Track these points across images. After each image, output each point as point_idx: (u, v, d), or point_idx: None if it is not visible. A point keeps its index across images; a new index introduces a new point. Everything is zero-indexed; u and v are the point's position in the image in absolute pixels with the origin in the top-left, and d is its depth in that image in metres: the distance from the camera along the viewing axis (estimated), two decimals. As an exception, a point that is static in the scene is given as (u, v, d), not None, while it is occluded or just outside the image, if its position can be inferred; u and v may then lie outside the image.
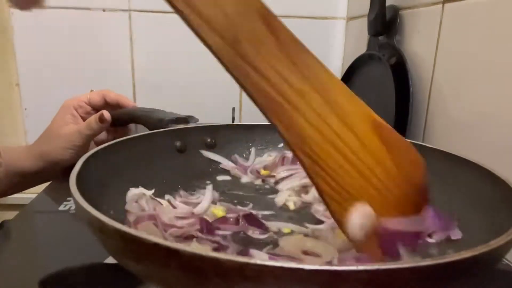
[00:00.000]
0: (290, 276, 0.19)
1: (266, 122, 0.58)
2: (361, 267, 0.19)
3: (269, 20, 0.22)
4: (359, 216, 0.24)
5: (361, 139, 0.24)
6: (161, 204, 0.38)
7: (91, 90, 0.62)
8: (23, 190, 0.64)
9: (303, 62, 0.23)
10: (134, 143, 0.44)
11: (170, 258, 0.20)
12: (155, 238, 0.21)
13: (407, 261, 0.25)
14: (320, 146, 0.23)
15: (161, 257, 0.21)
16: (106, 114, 0.56)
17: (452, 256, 0.20)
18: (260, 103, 0.23)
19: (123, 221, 0.36)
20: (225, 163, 0.50)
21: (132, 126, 0.65)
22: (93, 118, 0.56)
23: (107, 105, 0.62)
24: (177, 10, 0.20)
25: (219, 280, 0.20)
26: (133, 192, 0.38)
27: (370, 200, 0.24)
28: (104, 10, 0.89)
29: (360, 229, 0.24)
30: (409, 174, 0.26)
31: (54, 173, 0.59)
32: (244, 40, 0.21)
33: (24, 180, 0.60)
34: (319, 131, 0.23)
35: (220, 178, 0.48)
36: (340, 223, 0.24)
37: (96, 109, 0.61)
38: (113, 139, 0.42)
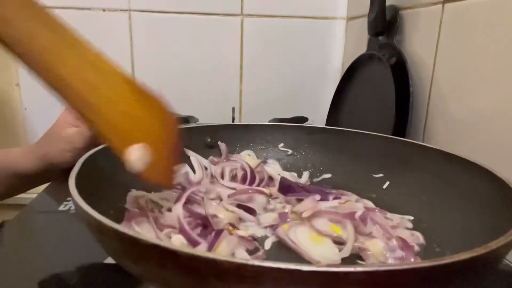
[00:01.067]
0: (287, 277, 0.19)
1: (266, 122, 0.58)
2: (359, 268, 0.19)
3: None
4: (136, 151, 0.30)
5: (124, 96, 0.31)
6: (160, 205, 0.39)
7: None
8: (24, 191, 0.64)
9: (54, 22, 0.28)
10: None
11: (167, 258, 0.20)
12: (153, 239, 0.21)
13: (406, 263, 0.26)
14: (99, 105, 0.29)
15: (159, 257, 0.21)
16: None
17: (452, 257, 0.20)
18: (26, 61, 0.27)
19: (123, 220, 0.36)
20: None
21: None
22: None
23: None
24: None
25: (216, 281, 0.20)
26: (134, 193, 0.39)
27: (140, 138, 0.31)
28: (104, 10, 0.89)
29: (139, 161, 0.30)
30: (160, 116, 0.34)
31: (55, 174, 0.59)
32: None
33: (24, 181, 0.60)
34: (99, 96, 0.29)
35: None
36: (124, 160, 0.30)
37: None
38: None
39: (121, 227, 0.22)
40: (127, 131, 0.31)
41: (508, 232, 0.24)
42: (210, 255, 0.20)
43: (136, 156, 0.30)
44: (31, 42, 0.26)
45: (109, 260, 0.34)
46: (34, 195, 0.52)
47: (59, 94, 0.28)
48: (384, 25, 0.68)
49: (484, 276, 0.23)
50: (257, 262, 0.19)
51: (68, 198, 0.49)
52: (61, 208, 0.47)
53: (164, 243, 0.21)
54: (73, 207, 0.47)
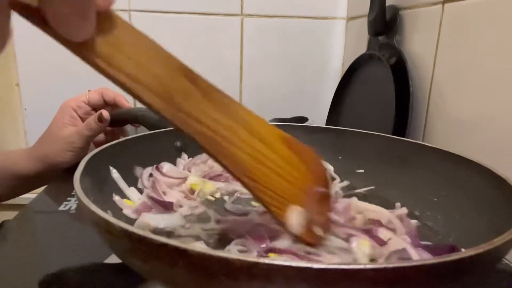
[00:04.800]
0: (298, 275, 0.19)
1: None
2: (368, 266, 0.19)
3: (189, 74, 0.27)
4: (296, 216, 0.30)
5: (279, 153, 0.30)
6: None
7: (89, 90, 0.62)
8: (24, 193, 0.64)
9: (223, 103, 0.28)
10: (135, 143, 0.44)
11: (178, 257, 0.20)
12: (163, 238, 0.21)
13: (414, 260, 0.28)
14: (254, 167, 0.28)
15: (169, 256, 0.21)
16: (105, 113, 0.56)
17: (458, 254, 0.20)
18: (202, 143, 0.27)
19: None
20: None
21: (130, 126, 0.65)
22: (92, 118, 0.56)
23: (105, 104, 0.62)
24: (113, 79, 0.23)
25: (227, 279, 0.20)
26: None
27: (298, 199, 0.30)
28: (104, 10, 0.89)
29: (299, 225, 0.30)
30: (316, 172, 0.33)
31: (54, 175, 0.59)
32: (175, 94, 0.25)
33: (24, 183, 0.60)
34: (250, 155, 0.28)
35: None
36: (283, 224, 0.30)
37: (95, 108, 0.61)
38: (112, 140, 0.42)
39: (131, 227, 0.22)
40: (284, 192, 0.30)
41: (511, 229, 0.24)
42: (221, 253, 0.20)
43: (295, 219, 0.30)
44: (215, 136, 0.27)
45: (109, 260, 0.34)
46: (34, 195, 0.52)
47: (227, 169, 0.28)
48: (384, 25, 0.68)
49: (486, 274, 0.24)
50: (268, 261, 0.19)
51: (68, 198, 0.49)
52: (61, 208, 0.47)
53: (174, 242, 0.20)
54: (73, 207, 0.47)
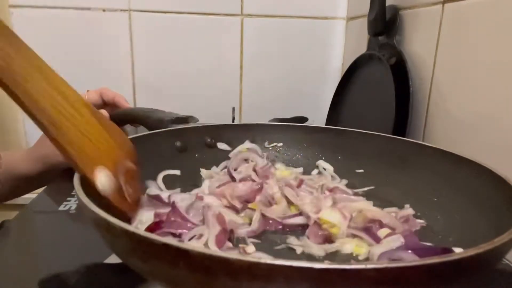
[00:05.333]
0: (299, 275, 0.19)
1: (266, 122, 0.58)
2: (369, 266, 0.19)
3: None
4: (104, 176, 0.31)
5: (84, 117, 0.32)
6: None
7: (88, 90, 0.62)
8: (24, 194, 0.64)
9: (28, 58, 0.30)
10: (135, 143, 0.44)
11: (178, 257, 0.21)
12: (164, 238, 0.21)
13: (414, 260, 0.27)
14: (57, 118, 0.30)
15: (170, 257, 0.21)
16: (104, 112, 0.56)
17: (459, 254, 0.21)
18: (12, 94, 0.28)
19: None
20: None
21: (130, 126, 0.65)
22: None
23: (104, 104, 0.62)
24: None
25: (227, 279, 0.20)
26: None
27: (106, 164, 0.32)
28: (104, 10, 0.89)
29: (107, 185, 0.31)
30: (124, 148, 0.36)
31: (54, 175, 0.59)
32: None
33: (25, 184, 0.60)
34: (54, 108, 0.30)
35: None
36: (90, 181, 0.30)
37: None
38: None
39: (131, 227, 0.22)
40: (91, 153, 0.32)
41: (511, 229, 0.24)
42: (222, 253, 0.20)
43: (103, 178, 0.31)
44: (9, 68, 0.28)
45: (109, 260, 0.34)
46: (34, 195, 0.52)
47: (28, 111, 0.29)
48: (384, 25, 0.68)
49: (486, 274, 0.24)
50: (269, 261, 0.19)
51: (68, 198, 0.49)
52: (61, 208, 0.47)
53: (175, 242, 0.21)
54: (73, 207, 0.47)
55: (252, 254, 0.32)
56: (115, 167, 0.32)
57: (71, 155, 0.30)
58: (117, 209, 0.31)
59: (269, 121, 0.83)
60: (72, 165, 0.30)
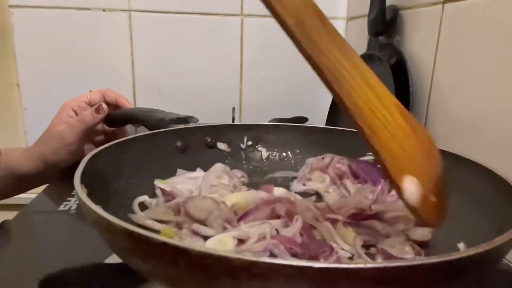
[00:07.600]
0: (299, 275, 0.19)
1: (265, 122, 0.58)
2: (369, 265, 0.19)
3: (320, 15, 0.28)
4: (413, 186, 0.27)
5: (395, 119, 0.28)
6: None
7: (90, 91, 0.62)
8: (24, 191, 0.64)
9: (344, 48, 0.28)
10: (136, 143, 0.44)
11: (178, 257, 0.20)
12: (164, 237, 0.21)
13: (415, 259, 0.28)
14: (372, 120, 0.27)
15: (169, 256, 0.21)
16: (104, 105, 0.56)
17: (459, 254, 0.21)
18: (328, 78, 0.27)
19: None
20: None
21: (131, 127, 0.65)
22: (88, 110, 0.56)
23: (106, 105, 0.62)
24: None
25: (227, 278, 0.20)
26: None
27: (414, 172, 0.28)
28: (104, 10, 0.89)
29: (416, 196, 0.28)
30: (430, 153, 0.30)
31: (54, 175, 0.59)
32: (307, 20, 0.27)
33: (24, 182, 0.60)
34: (368, 107, 0.27)
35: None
36: (398, 191, 0.28)
37: None
38: (112, 140, 0.42)
39: (131, 226, 0.22)
40: (401, 158, 0.28)
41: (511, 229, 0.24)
42: (222, 253, 0.20)
43: (412, 188, 0.28)
44: (336, 70, 0.27)
45: (110, 260, 0.34)
46: (34, 195, 0.52)
47: (349, 111, 0.28)
48: (384, 25, 0.68)
49: (486, 274, 0.24)
50: (268, 259, 0.19)
51: (68, 198, 0.49)
52: (61, 208, 0.47)
53: (175, 241, 0.20)
54: (73, 207, 0.47)
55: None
56: (422, 175, 0.29)
57: (382, 159, 0.27)
58: (422, 218, 0.29)
59: (269, 121, 0.83)
60: (381, 167, 0.28)
